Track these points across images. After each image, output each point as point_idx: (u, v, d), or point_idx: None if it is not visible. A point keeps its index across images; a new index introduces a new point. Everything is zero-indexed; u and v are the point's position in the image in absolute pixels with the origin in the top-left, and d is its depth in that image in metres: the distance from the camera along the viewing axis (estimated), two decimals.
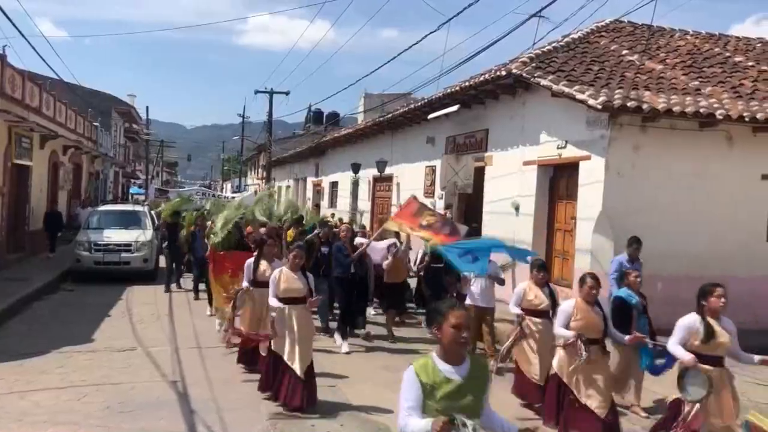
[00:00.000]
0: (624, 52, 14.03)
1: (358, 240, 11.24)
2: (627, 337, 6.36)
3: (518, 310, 7.32)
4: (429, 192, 17.37)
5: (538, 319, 7.26)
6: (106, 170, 39.59)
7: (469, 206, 15.57)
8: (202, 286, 13.37)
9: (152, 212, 18.45)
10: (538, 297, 7.31)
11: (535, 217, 12.70)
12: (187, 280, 14.96)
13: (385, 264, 11.02)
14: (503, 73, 12.71)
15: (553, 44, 14.02)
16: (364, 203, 23.01)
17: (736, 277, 10.99)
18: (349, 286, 9.98)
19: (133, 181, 57.34)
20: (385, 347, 10.08)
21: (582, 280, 6.25)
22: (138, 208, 19.86)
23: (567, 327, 6.09)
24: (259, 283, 7.74)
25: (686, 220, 10.92)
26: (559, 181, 12.60)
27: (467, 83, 14.42)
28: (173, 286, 14.85)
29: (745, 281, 10.97)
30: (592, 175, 11.02)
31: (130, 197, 45.36)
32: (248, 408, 6.82)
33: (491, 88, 13.71)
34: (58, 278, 15.31)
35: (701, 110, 10.70)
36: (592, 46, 14.32)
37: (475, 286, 8.86)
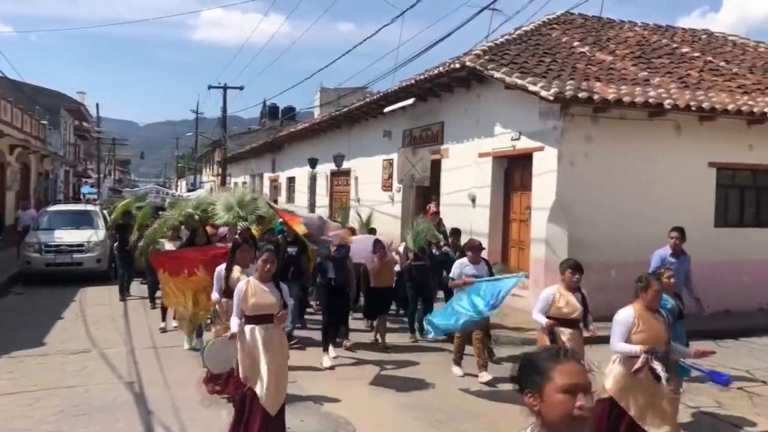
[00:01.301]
0: (575, 43, 14.26)
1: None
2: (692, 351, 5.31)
3: (544, 319, 6.09)
4: (387, 185, 17.40)
5: (568, 330, 6.08)
6: (56, 170, 38.59)
7: (426, 198, 15.64)
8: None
9: (104, 212, 18.04)
10: (569, 304, 6.12)
11: (491, 208, 12.84)
12: (142, 288, 13.58)
13: (370, 266, 9.66)
14: (457, 65, 12.80)
15: (506, 37, 14.17)
16: (322, 198, 22.92)
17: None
18: (335, 295, 8.83)
19: (84, 180, 56.02)
20: (377, 359, 8.84)
21: (647, 284, 5.02)
22: (90, 207, 19.41)
23: (627, 341, 4.91)
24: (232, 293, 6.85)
25: (637, 208, 11.17)
26: (513, 172, 12.76)
27: (422, 76, 14.48)
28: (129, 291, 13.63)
29: (695, 265, 11.29)
30: (545, 165, 11.18)
31: (82, 197, 44.29)
32: (207, 408, 6.73)
33: (446, 81, 13.80)
34: (7, 282, 14.86)
35: (650, 100, 10.95)
36: (544, 38, 14.51)
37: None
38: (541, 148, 11.33)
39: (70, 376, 7.87)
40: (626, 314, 4.97)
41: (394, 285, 10.07)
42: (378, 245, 9.62)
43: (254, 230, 11.52)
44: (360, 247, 9.77)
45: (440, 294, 10.64)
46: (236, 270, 6.73)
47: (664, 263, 7.62)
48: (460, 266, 8.08)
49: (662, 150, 11.52)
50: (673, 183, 11.53)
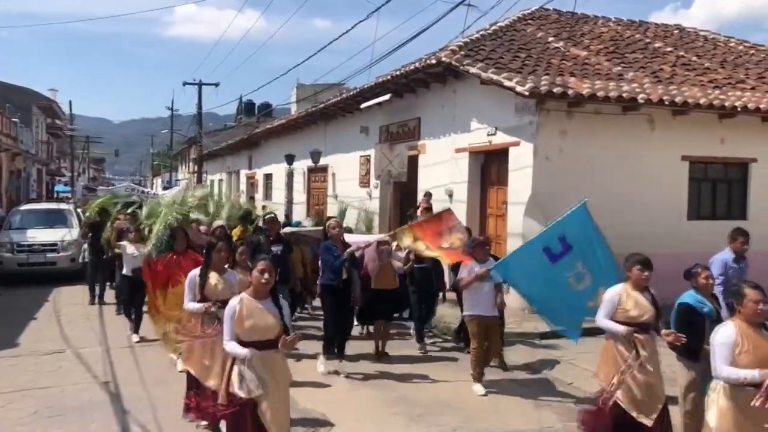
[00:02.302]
0: (550, 39, 14.36)
1: (351, 238, 8.93)
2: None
3: (620, 326, 5.19)
4: (364, 181, 17.39)
5: (640, 336, 5.20)
6: (28, 168, 38.03)
7: (404, 194, 15.65)
8: None
9: (78, 210, 17.79)
10: (639, 305, 5.24)
11: (468, 204, 12.89)
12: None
13: (370, 267, 8.75)
14: (433, 61, 12.82)
15: (482, 32, 14.23)
16: (300, 195, 22.84)
17: (659, 255, 11.46)
18: (341, 296, 7.99)
19: (58, 179, 55.28)
20: (377, 371, 8.10)
21: (741, 295, 4.37)
22: (63, 206, 19.16)
23: (732, 363, 4.23)
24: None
25: (612, 202, 11.26)
26: (490, 168, 12.82)
27: (398, 72, 14.47)
28: (105, 299, 12.58)
29: (668, 259, 11.43)
30: (521, 160, 11.25)
31: (55, 195, 43.67)
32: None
33: (422, 76, 13.81)
34: None
35: (624, 95, 11.06)
36: (519, 33, 14.59)
37: (477, 292, 7.31)
38: (516, 143, 11.39)
39: (45, 376, 7.76)
40: (728, 332, 4.27)
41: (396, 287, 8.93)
42: (381, 244, 8.69)
43: (236, 231, 10.88)
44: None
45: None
46: (213, 276, 5.94)
47: (728, 269, 7.15)
48: (468, 266, 7.40)
49: (636, 144, 11.66)
50: (647, 177, 11.67)
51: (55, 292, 13.88)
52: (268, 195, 28.01)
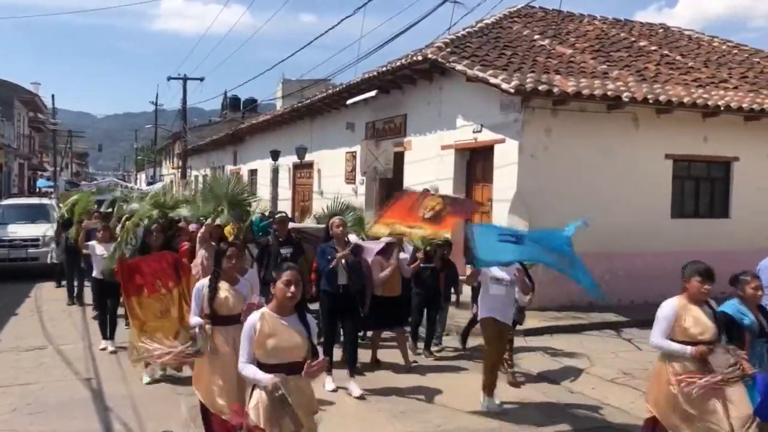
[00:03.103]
0: (535, 37, 14.39)
1: (354, 238, 8.04)
2: None
3: (687, 347, 4.59)
4: (350, 178, 17.35)
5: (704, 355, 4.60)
6: (9, 162, 37.59)
7: (390, 191, 15.64)
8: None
9: (60, 205, 17.60)
10: (699, 322, 4.66)
11: None
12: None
13: (382, 273, 7.86)
14: (419, 58, 12.81)
15: (468, 29, 14.23)
16: (285, 191, 22.76)
17: (644, 253, 11.62)
18: (339, 303, 7.15)
19: (40, 173, 54.65)
20: (399, 385, 7.37)
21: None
22: (45, 201, 18.96)
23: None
24: (222, 320, 5.06)
25: (596, 200, 11.33)
26: (475, 165, 12.84)
27: (385, 68, 14.45)
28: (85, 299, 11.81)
29: (652, 256, 11.55)
30: (506, 157, 11.27)
31: (38, 190, 43.22)
32: (165, 402, 6.63)
33: (408, 73, 13.80)
34: None
35: (608, 93, 11.12)
36: (505, 31, 14.61)
37: (494, 293, 6.64)
38: (502, 141, 11.41)
39: (25, 373, 7.68)
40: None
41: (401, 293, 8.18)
42: (391, 248, 7.92)
43: (229, 229, 9.81)
44: (368, 253, 7.97)
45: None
46: (224, 287, 5.14)
47: None
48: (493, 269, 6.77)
49: (620, 142, 11.72)
50: (631, 174, 11.74)
51: (37, 287, 13.74)
52: (253, 191, 27.87)
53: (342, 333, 7.60)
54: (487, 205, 12.25)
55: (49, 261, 14.26)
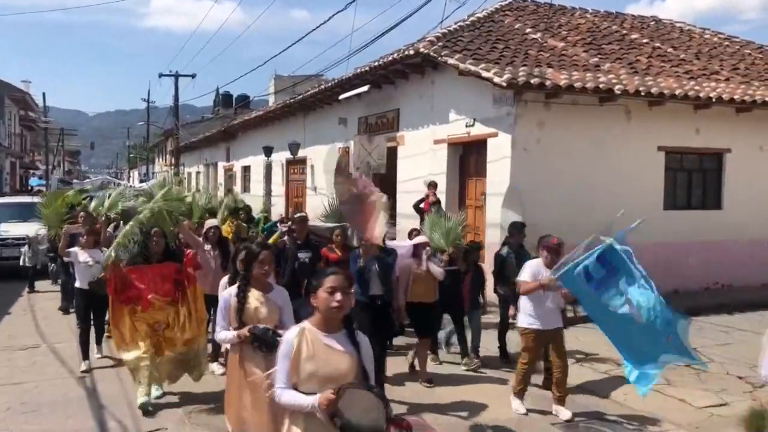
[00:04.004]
0: (527, 30, 14.39)
1: (390, 243, 7.21)
2: None
3: None
4: None
5: None
6: (1, 161, 37.41)
7: (383, 186, 15.63)
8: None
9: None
10: None
11: (447, 195, 12.88)
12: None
13: (402, 279, 7.13)
14: (411, 52, 12.79)
15: (460, 23, 14.22)
16: (278, 187, 22.73)
17: (636, 245, 11.60)
18: (370, 313, 6.31)
19: (32, 172, 54.40)
20: (423, 401, 6.65)
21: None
22: (37, 199, 18.83)
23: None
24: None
25: (589, 192, 11.36)
26: (468, 159, 12.84)
27: (377, 63, 14.42)
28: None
29: (645, 248, 11.56)
30: (499, 151, 11.28)
31: (30, 189, 43.02)
32: (161, 400, 6.62)
33: (400, 67, 13.78)
34: None
35: (601, 86, 11.13)
36: (497, 24, 14.60)
37: (538, 302, 6.13)
38: (495, 135, 11.42)
39: (19, 372, 7.65)
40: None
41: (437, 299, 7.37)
42: (419, 248, 7.23)
43: (226, 227, 9.36)
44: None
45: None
46: (253, 296, 4.51)
47: None
48: (533, 269, 6.20)
49: (613, 135, 11.75)
50: (623, 167, 11.78)
51: (38, 284, 13.66)
52: (246, 187, 27.83)
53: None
54: (480, 199, 12.28)
55: (21, 263, 13.55)
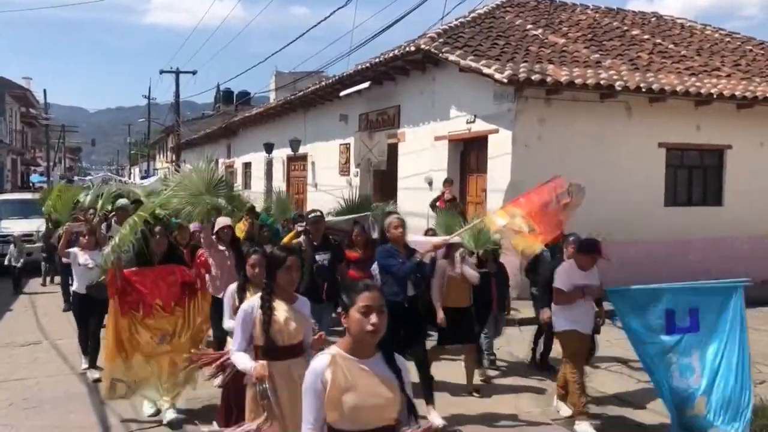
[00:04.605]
0: (528, 26, 14.38)
1: (409, 238, 6.35)
2: None
3: None
4: (344, 170, 17.34)
5: None
6: (2, 158, 37.43)
7: (383, 183, 15.64)
8: None
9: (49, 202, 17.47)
10: None
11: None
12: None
13: (436, 282, 6.61)
14: (412, 48, 12.79)
15: (460, 19, 14.21)
16: (279, 184, 22.73)
17: (637, 241, 11.65)
18: (406, 317, 5.82)
19: (33, 168, 54.42)
20: (470, 411, 6.26)
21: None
22: (38, 196, 18.85)
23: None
24: (281, 352, 3.88)
25: (589, 188, 11.22)
26: (469, 155, 12.85)
27: (377, 60, 14.41)
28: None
29: (645, 244, 11.59)
30: (500, 148, 11.28)
31: (31, 186, 43.04)
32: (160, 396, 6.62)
33: (401, 64, 13.77)
34: None
35: (602, 82, 11.12)
36: (497, 21, 14.59)
37: (575, 305, 5.77)
38: (495, 131, 11.42)
39: (21, 368, 7.67)
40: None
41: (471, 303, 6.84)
42: (453, 250, 6.67)
43: (241, 226, 8.74)
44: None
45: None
46: (280, 307, 3.90)
47: None
48: (567, 273, 5.85)
49: (614, 131, 11.74)
50: (624, 163, 11.77)
51: (31, 283, 13.69)
52: (247, 184, 27.83)
53: (410, 356, 5.86)
54: (481, 195, 12.28)
55: (6, 263, 13.20)
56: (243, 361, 3.87)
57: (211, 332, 6.58)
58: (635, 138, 11.86)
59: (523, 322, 9.06)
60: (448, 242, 6.12)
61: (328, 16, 14.08)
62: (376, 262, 6.32)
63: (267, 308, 3.86)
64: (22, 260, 13.08)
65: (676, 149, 12.55)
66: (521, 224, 5.45)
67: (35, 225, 15.39)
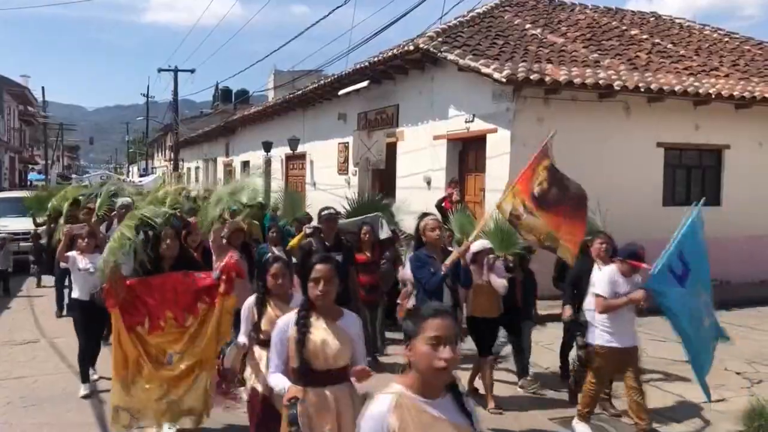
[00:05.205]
0: (527, 26, 14.38)
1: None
2: None
3: None
4: (342, 169, 17.34)
5: None
6: (0, 156, 37.35)
7: (382, 182, 15.64)
8: None
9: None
10: None
11: (445, 191, 12.89)
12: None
13: (497, 281, 6.22)
14: (411, 47, 12.78)
15: (459, 19, 14.21)
16: (278, 182, 22.71)
17: (635, 241, 11.62)
18: None
19: (31, 167, 54.36)
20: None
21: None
22: (43, 193, 18.78)
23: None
24: (319, 377, 3.39)
25: (588, 188, 11.27)
26: (468, 155, 12.85)
27: (376, 59, 14.42)
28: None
29: (644, 244, 11.57)
30: (498, 147, 11.28)
31: (29, 184, 42.97)
32: None
33: (400, 63, 13.77)
34: None
35: (600, 82, 11.13)
36: (496, 20, 14.60)
37: (616, 316, 5.34)
38: (494, 130, 11.42)
39: (19, 366, 7.66)
40: None
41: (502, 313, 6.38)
42: (481, 256, 6.21)
43: (294, 242, 7.78)
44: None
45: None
46: (318, 325, 3.40)
47: None
48: (610, 278, 5.43)
49: (612, 131, 11.75)
50: (623, 163, 11.77)
51: (29, 281, 13.68)
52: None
53: None
54: (479, 195, 12.28)
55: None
56: (279, 382, 3.39)
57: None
58: (634, 138, 11.87)
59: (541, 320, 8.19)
60: (469, 247, 5.54)
61: (327, 15, 14.08)
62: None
63: (302, 326, 3.36)
64: (9, 263, 12.65)
65: (675, 149, 12.57)
66: (518, 207, 5.23)
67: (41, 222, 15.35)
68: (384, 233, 7.99)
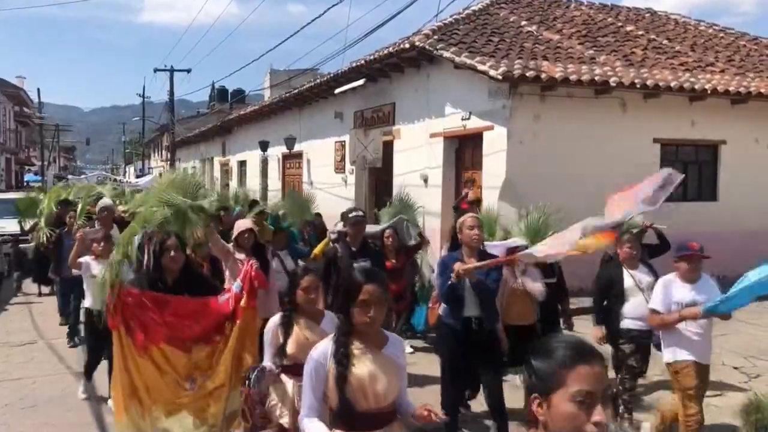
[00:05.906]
0: (523, 23, 14.39)
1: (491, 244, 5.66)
2: None
3: None
4: (339, 168, 17.33)
5: None
6: None
7: (379, 180, 15.64)
8: None
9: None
10: None
11: (443, 189, 12.92)
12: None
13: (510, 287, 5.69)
14: (407, 45, 12.78)
15: (455, 16, 14.21)
16: (275, 182, 22.70)
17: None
18: (467, 343, 4.91)
19: (27, 168, 54.27)
20: None
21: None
22: (33, 195, 18.76)
23: None
24: (364, 420, 2.77)
25: (584, 184, 11.34)
26: (464, 152, 12.86)
27: (372, 57, 14.41)
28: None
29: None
30: (495, 144, 11.30)
31: (25, 185, 42.89)
32: None
33: (396, 61, 13.77)
34: None
35: (596, 78, 11.15)
36: (492, 17, 14.61)
37: (694, 326, 4.83)
38: (490, 128, 11.43)
39: (17, 368, 7.66)
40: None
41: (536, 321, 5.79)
42: (512, 252, 5.47)
43: (318, 249, 7.39)
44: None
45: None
46: (358, 351, 2.80)
47: None
48: (665, 288, 5.00)
49: (608, 127, 11.77)
50: (619, 159, 11.77)
51: (27, 282, 13.65)
52: (242, 182, 27.80)
53: (483, 388, 5.27)
54: (476, 192, 12.28)
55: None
56: (316, 430, 2.73)
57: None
58: (630, 133, 11.88)
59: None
60: (516, 257, 4.98)
61: (323, 14, 14.11)
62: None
63: (342, 356, 2.69)
64: (4, 265, 12.64)
65: (671, 145, 12.59)
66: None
67: (30, 225, 15.32)
68: (411, 239, 7.60)
